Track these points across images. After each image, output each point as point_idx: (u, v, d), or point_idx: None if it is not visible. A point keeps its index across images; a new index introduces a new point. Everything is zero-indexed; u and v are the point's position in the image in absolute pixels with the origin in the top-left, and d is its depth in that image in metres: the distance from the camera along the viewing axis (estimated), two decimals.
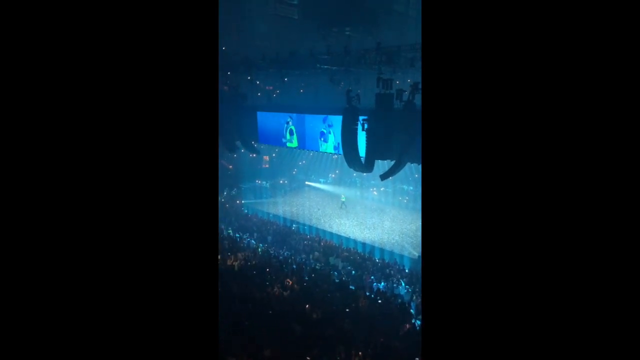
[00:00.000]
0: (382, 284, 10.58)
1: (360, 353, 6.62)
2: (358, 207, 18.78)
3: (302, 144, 14.40)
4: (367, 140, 10.54)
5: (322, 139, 13.52)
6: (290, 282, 9.53)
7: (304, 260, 12.44)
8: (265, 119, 15.10)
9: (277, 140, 15.10)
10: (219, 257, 11.52)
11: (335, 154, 13.78)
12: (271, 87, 15.70)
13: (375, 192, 20.87)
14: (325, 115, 13.07)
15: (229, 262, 11.17)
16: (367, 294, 9.52)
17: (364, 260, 12.44)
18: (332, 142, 13.11)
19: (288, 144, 14.72)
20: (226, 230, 15.22)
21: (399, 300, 8.98)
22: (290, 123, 14.39)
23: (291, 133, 14.53)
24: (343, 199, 18.89)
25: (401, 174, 10.91)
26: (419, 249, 12.55)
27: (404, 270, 11.68)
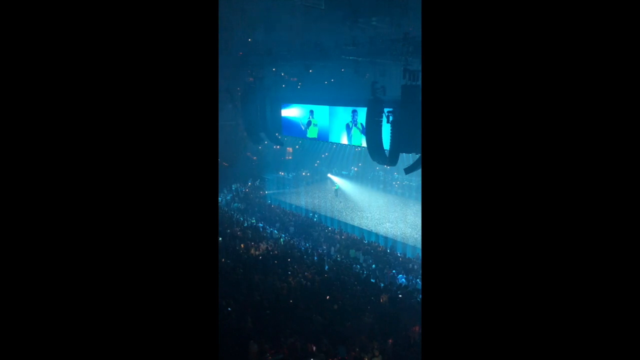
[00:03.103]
0: (404, 278, 10.49)
1: (376, 345, 6.62)
2: (381, 201, 18.61)
3: (324, 136, 14.37)
4: (391, 133, 10.33)
5: (347, 132, 13.45)
6: (310, 275, 9.61)
7: (325, 252, 12.50)
8: (289, 111, 15.16)
9: (300, 132, 15.13)
10: (243, 245, 11.75)
11: (357, 146, 13.67)
12: (295, 79, 15.70)
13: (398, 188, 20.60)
14: (353, 108, 12.96)
15: (252, 252, 11.37)
16: (388, 288, 9.48)
17: (386, 254, 12.36)
18: (357, 135, 13.02)
19: (308, 134, 14.74)
20: (249, 220, 15.49)
21: (421, 296, 8.89)
22: (312, 114, 14.39)
23: (309, 124, 14.53)
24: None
25: None
26: None
27: None
